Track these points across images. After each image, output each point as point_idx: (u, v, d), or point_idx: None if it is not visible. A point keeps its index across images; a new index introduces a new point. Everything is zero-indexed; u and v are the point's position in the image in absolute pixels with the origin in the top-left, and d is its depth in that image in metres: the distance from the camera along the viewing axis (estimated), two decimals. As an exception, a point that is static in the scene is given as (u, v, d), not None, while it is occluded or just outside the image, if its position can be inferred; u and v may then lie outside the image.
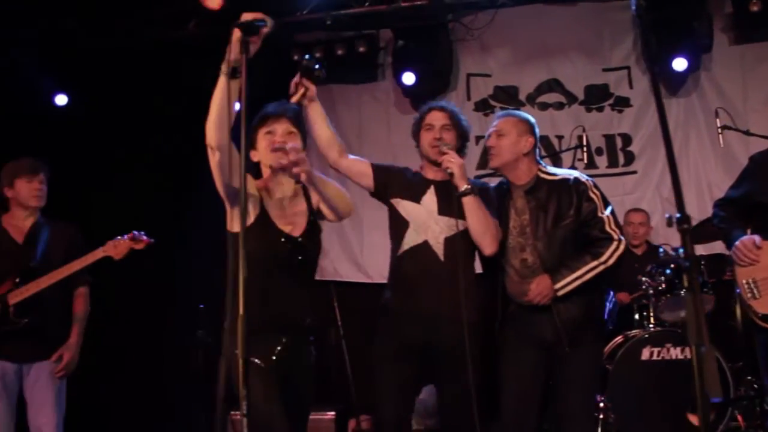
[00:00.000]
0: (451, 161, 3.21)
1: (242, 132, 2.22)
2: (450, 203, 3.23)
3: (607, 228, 3.27)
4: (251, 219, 2.75)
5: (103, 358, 5.65)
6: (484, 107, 5.96)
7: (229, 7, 5.16)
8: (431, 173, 3.40)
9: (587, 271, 3.22)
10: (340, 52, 5.67)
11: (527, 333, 3.33)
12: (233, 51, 2.37)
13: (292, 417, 2.70)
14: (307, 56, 3.13)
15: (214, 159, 2.61)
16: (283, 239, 2.77)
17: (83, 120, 5.96)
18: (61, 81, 6.01)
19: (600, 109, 5.85)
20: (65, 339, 4.00)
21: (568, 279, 3.21)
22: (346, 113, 6.10)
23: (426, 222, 3.29)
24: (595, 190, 3.32)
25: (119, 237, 3.92)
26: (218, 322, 2.97)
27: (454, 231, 3.24)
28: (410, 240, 3.30)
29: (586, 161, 5.51)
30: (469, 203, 3.20)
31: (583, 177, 3.39)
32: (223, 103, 2.51)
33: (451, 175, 3.20)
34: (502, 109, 5.89)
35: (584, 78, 5.87)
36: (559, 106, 5.88)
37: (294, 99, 3.03)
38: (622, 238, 3.28)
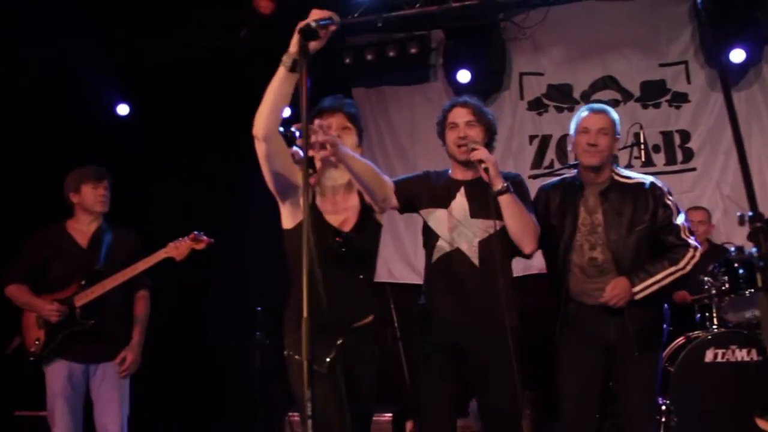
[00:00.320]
0: (484, 156, 3.06)
1: (304, 133, 2.19)
2: (482, 203, 3.11)
3: (683, 235, 3.28)
4: (301, 215, 2.69)
5: (162, 360, 5.77)
6: (537, 106, 5.89)
7: (280, 10, 5.23)
8: (460, 173, 3.29)
9: (665, 276, 3.21)
10: (391, 53, 5.66)
11: (589, 333, 3.29)
12: (295, 45, 2.35)
13: (353, 417, 2.68)
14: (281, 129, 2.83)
15: (261, 150, 2.57)
16: (332, 234, 2.73)
17: (143, 128, 6.11)
18: (122, 91, 6.16)
19: (657, 106, 5.73)
20: (128, 340, 4.11)
21: (647, 283, 3.20)
22: (398, 115, 6.10)
23: (457, 228, 3.17)
24: (670, 197, 3.33)
25: (180, 238, 4.01)
26: (275, 323, 3.00)
27: (490, 232, 3.11)
28: (441, 249, 3.21)
29: (643, 159, 5.41)
30: (506, 202, 3.07)
31: (659, 182, 3.39)
32: (279, 92, 2.48)
33: (486, 170, 3.05)
34: (556, 108, 5.84)
35: (640, 74, 5.75)
36: (615, 103, 5.76)
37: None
38: (698, 245, 3.29)
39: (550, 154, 5.81)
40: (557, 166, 5.65)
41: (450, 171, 3.36)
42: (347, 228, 2.77)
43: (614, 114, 3.44)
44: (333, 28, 2.37)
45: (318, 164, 2.78)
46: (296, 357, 2.65)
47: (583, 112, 3.47)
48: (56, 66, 5.70)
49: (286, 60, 2.44)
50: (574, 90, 5.85)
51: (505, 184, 3.07)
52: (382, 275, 5.81)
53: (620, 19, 5.70)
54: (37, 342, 3.97)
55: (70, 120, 5.84)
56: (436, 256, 3.22)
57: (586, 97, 5.80)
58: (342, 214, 2.80)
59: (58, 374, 3.96)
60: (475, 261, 3.14)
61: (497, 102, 5.92)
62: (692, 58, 5.66)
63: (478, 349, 3.11)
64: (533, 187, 5.58)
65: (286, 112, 6.79)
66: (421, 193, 3.29)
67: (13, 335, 4.18)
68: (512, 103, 5.91)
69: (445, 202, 3.23)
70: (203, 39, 5.82)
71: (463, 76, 5.62)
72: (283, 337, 2.78)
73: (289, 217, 2.77)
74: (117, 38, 5.78)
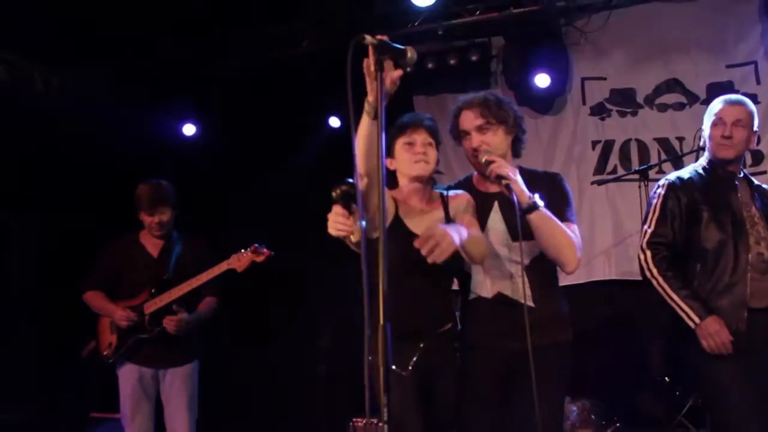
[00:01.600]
0: (504, 172, 2.64)
1: (382, 159, 2.15)
2: (524, 220, 2.70)
3: None
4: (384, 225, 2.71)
5: (228, 366, 5.88)
6: (600, 111, 5.81)
7: (342, 26, 5.31)
8: (486, 184, 2.91)
9: None
10: (452, 61, 5.65)
11: (755, 341, 3.02)
12: (371, 88, 2.29)
13: (433, 423, 2.71)
14: (340, 188, 2.52)
15: (362, 183, 2.57)
16: (412, 241, 2.67)
17: (211, 143, 6.27)
18: (188, 111, 6.35)
19: (724, 108, 5.58)
20: (197, 347, 4.22)
21: None
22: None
23: (497, 262, 2.81)
24: None
25: (242, 250, 4.08)
26: (338, 330, 3.03)
27: (537, 252, 2.79)
28: (480, 289, 2.87)
29: (710, 163, 5.29)
30: (536, 220, 2.65)
31: None
32: (367, 140, 2.43)
33: (509, 188, 2.64)
34: (619, 113, 5.75)
35: (706, 76, 5.60)
36: (680, 106, 5.65)
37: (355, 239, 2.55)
38: None
39: (614, 160, 5.71)
40: (620, 171, 5.56)
41: (473, 178, 3.00)
42: None
43: (753, 107, 3.26)
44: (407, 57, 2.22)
45: (402, 179, 2.84)
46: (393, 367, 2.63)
47: (717, 104, 3.27)
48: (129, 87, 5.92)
49: (368, 108, 2.38)
50: (638, 94, 5.75)
51: (532, 200, 2.65)
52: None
53: (684, 21, 5.59)
54: (109, 346, 4.12)
55: (142, 138, 6.07)
56: (474, 295, 2.89)
57: (649, 102, 5.70)
58: (425, 223, 2.77)
59: (129, 378, 4.10)
60: (528, 299, 2.73)
61: (559, 107, 5.88)
62: (762, 58, 5.49)
63: (524, 374, 2.71)
64: (596, 193, 5.66)
65: (335, 123, 6.80)
66: None
67: (90, 340, 4.35)
68: (574, 108, 5.85)
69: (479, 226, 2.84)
70: (264, 52, 5.93)
71: (542, 80, 5.54)
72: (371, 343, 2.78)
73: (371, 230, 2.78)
74: (179, 56, 5.95)
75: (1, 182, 6.05)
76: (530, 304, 2.73)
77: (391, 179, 2.85)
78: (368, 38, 2.15)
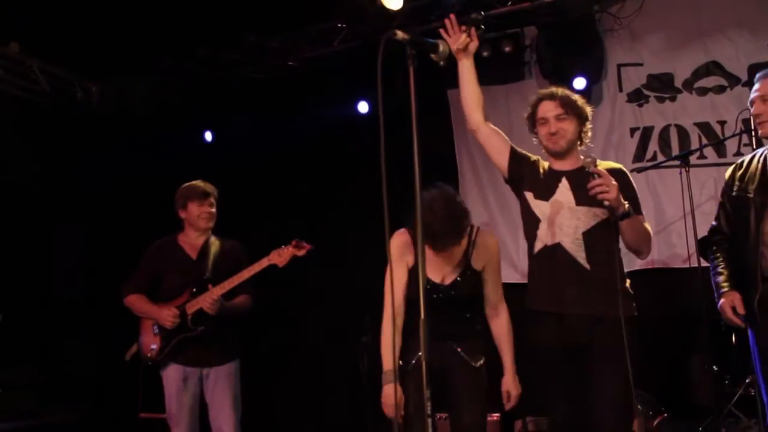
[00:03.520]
0: (607, 191, 2.87)
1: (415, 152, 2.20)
2: (587, 191, 2.94)
3: None
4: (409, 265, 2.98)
5: (273, 363, 5.94)
6: (637, 98, 5.72)
7: (376, 23, 5.31)
8: (557, 164, 3.23)
9: None
10: (485, 53, 5.59)
11: None
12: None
13: (462, 415, 2.83)
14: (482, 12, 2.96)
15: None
16: (429, 288, 2.89)
17: (241, 145, 6.33)
18: (209, 119, 6.47)
19: (767, 89, 5.45)
20: (238, 345, 4.27)
21: None
22: (494, 115, 5.96)
23: (560, 220, 3.07)
24: None
25: (283, 246, 4.11)
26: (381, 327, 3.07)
27: (597, 220, 3.03)
28: (543, 239, 3.11)
29: (754, 146, 5.15)
30: (627, 225, 2.96)
31: None
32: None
33: (611, 208, 2.91)
34: (657, 98, 5.65)
35: (747, 56, 5.47)
36: (720, 89, 5.53)
37: (457, 45, 3.01)
38: None
39: (653, 146, 5.62)
40: (660, 158, 5.47)
41: (550, 162, 3.29)
42: (446, 282, 2.96)
43: None
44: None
45: None
46: (399, 362, 2.89)
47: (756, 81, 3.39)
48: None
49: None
50: (676, 79, 5.64)
51: (627, 209, 2.93)
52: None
53: (722, 1, 5.47)
54: (153, 348, 4.17)
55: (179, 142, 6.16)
56: (538, 246, 3.13)
57: (688, 85, 5.59)
58: (442, 270, 2.96)
59: (173, 378, 4.15)
60: (582, 260, 3.02)
61: (595, 95, 5.79)
62: (806, 34, 5.36)
63: (592, 344, 2.98)
64: (637, 181, 5.49)
65: (364, 108, 6.80)
66: (530, 176, 3.23)
67: (132, 343, 4.41)
68: (611, 95, 5.77)
69: (547, 194, 3.15)
70: (297, 52, 5.96)
71: (579, 83, 5.49)
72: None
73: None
74: (202, 58, 6.01)
75: (50, 191, 6.21)
76: (585, 265, 3.01)
77: None
78: (399, 34, 2.15)
